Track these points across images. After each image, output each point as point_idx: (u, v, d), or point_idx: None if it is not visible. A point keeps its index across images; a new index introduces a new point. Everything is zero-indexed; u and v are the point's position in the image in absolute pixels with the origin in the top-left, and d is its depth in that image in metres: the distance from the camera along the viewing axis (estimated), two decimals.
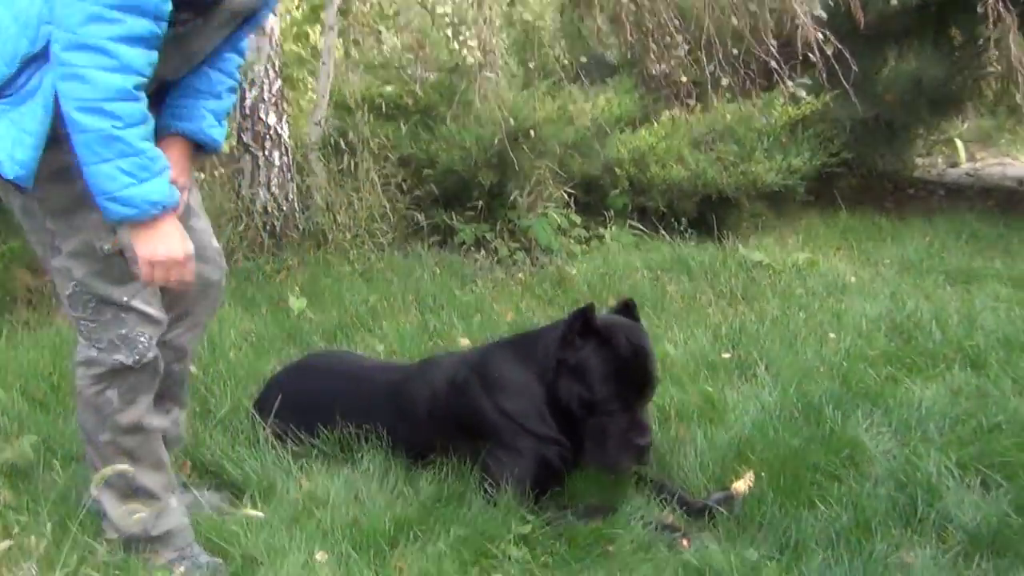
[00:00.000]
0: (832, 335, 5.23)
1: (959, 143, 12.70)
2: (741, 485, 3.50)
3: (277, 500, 3.42)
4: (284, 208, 7.32)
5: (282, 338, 5.34)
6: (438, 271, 6.69)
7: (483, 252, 7.18)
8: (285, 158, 7.36)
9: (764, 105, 8.33)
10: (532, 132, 7.14)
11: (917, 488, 3.31)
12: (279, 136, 7.33)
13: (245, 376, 4.69)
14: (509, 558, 3.11)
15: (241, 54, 3.13)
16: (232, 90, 3.12)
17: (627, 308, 3.74)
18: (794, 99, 8.27)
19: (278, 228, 7.26)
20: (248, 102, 7.20)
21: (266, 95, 7.22)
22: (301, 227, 7.30)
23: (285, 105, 7.44)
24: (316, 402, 3.89)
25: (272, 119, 7.28)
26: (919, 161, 12.14)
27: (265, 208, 7.26)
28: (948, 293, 6.32)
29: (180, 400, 3.38)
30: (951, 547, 3.06)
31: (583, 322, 3.52)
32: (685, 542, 3.22)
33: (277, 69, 7.29)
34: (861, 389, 4.27)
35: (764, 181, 7.77)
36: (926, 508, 3.22)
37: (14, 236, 5.34)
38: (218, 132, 3.05)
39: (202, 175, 7.16)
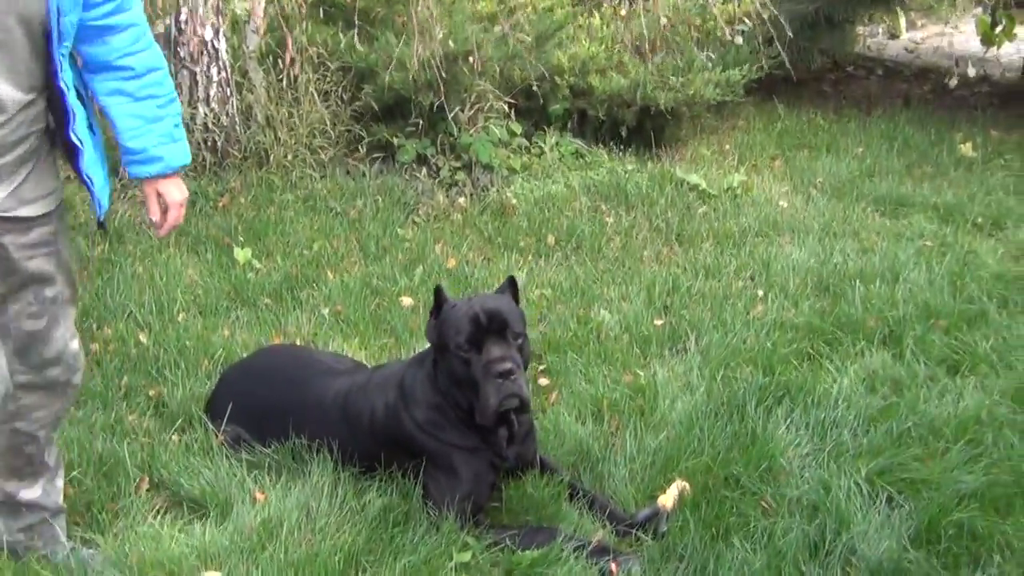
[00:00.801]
0: (760, 294, 5.47)
1: (900, 14, 12.76)
2: (668, 500, 3.76)
3: (235, 524, 3.61)
4: (225, 124, 7.32)
5: (229, 296, 5.48)
6: (380, 200, 6.79)
7: (425, 171, 7.27)
8: (223, 73, 7.33)
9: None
10: (472, 55, 7.13)
11: (827, 517, 3.58)
12: (216, 51, 7.28)
13: (195, 348, 4.85)
14: None
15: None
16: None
17: (510, 282, 3.90)
18: None
19: (219, 145, 7.27)
20: (183, 16, 7.12)
21: (200, 8, 7.14)
22: (243, 143, 7.31)
23: (220, 18, 7.35)
24: (267, 409, 4.07)
25: (208, 33, 7.22)
26: (860, 30, 12.21)
27: (205, 125, 7.26)
28: (876, 229, 6.54)
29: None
30: None
31: (436, 299, 3.77)
32: (614, 567, 3.48)
33: None
34: (783, 380, 4.51)
35: (703, 95, 7.86)
36: (834, 540, 3.50)
37: None
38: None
39: None
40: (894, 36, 12.67)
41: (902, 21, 12.75)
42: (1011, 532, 3.53)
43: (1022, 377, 4.62)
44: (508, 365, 3.56)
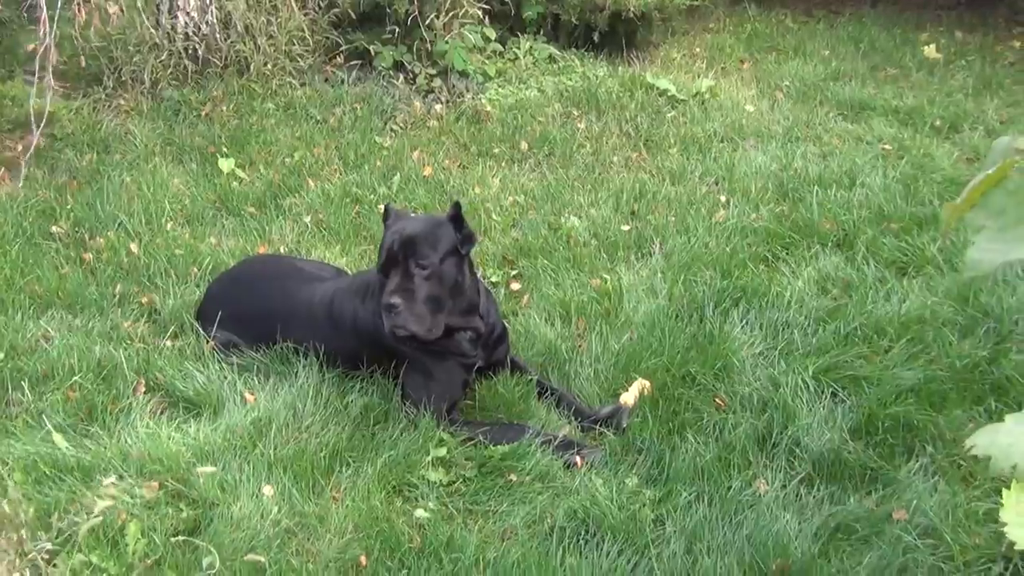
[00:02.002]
0: (723, 200, 5.73)
1: None
2: (629, 397, 4.07)
3: (227, 423, 3.89)
4: (205, 32, 7.45)
5: (215, 205, 5.70)
6: (358, 108, 6.98)
7: (402, 78, 7.44)
8: None
9: None
10: None
11: (775, 412, 3.89)
12: None
13: (184, 257, 5.09)
14: (428, 482, 3.66)
15: None
16: None
17: (454, 207, 4.02)
18: None
19: (200, 55, 7.41)
20: None
21: None
22: (223, 52, 7.45)
23: None
24: (254, 315, 4.34)
25: None
26: None
27: (186, 34, 7.39)
28: (837, 133, 6.77)
29: None
30: (797, 474, 3.67)
31: (383, 218, 4.06)
32: (579, 459, 3.79)
33: None
34: (741, 283, 4.78)
35: (673, 1, 8.01)
36: (780, 432, 3.81)
37: None
38: None
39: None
40: None
41: None
42: (944, 424, 3.84)
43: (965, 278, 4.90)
44: (393, 300, 3.80)
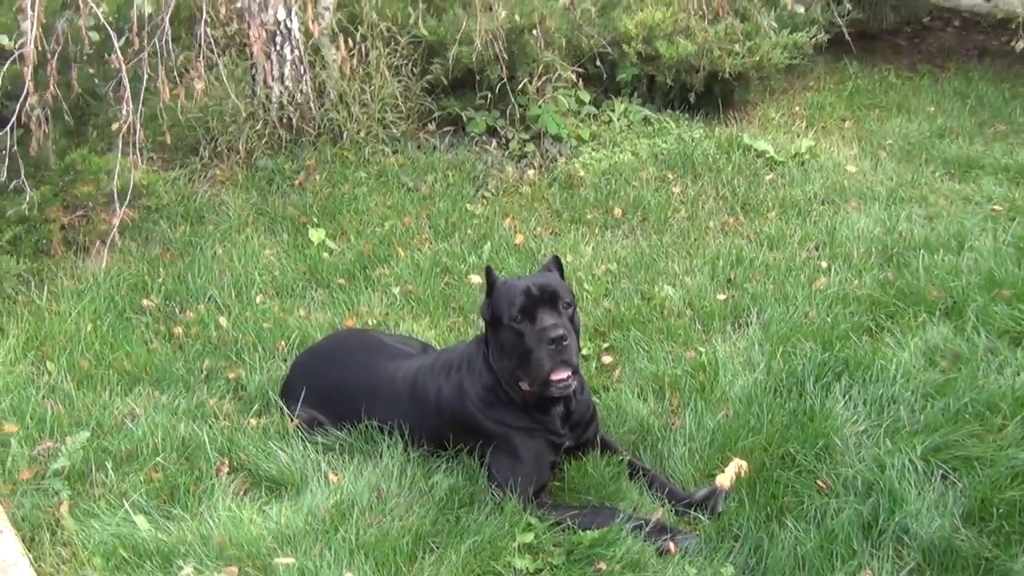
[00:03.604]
0: (824, 265, 5.53)
1: None
2: (725, 479, 3.89)
3: (309, 504, 3.80)
4: (299, 101, 7.50)
5: (304, 277, 5.68)
6: (451, 175, 6.94)
7: (495, 143, 7.39)
8: (296, 51, 7.50)
9: None
10: (536, 29, 7.21)
11: (880, 496, 3.67)
12: (289, 30, 7.45)
13: (272, 330, 5.05)
14: (515, 570, 3.52)
15: None
16: None
17: (554, 261, 4.05)
18: None
19: (294, 123, 7.46)
20: None
21: None
22: (317, 120, 7.48)
23: None
24: (339, 392, 4.26)
25: (281, 13, 7.38)
26: None
27: (280, 104, 7.45)
28: (944, 193, 6.53)
29: None
30: (906, 564, 3.45)
31: (487, 279, 3.94)
32: (672, 546, 3.62)
33: None
34: (843, 356, 4.58)
35: (770, 59, 7.85)
36: (887, 518, 3.59)
37: (44, 182, 5.59)
38: None
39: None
40: None
41: None
42: None
43: None
44: (561, 331, 3.72)
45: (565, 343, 3.72)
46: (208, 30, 4.78)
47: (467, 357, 4.07)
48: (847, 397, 4.32)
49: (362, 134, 7.40)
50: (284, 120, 7.46)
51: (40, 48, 4.13)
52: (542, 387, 3.79)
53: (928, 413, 4.17)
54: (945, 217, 6.11)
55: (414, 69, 7.71)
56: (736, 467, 3.94)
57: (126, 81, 4.13)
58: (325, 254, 5.92)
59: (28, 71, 4.03)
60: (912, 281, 5.25)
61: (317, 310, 5.33)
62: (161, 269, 5.73)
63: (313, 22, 6.92)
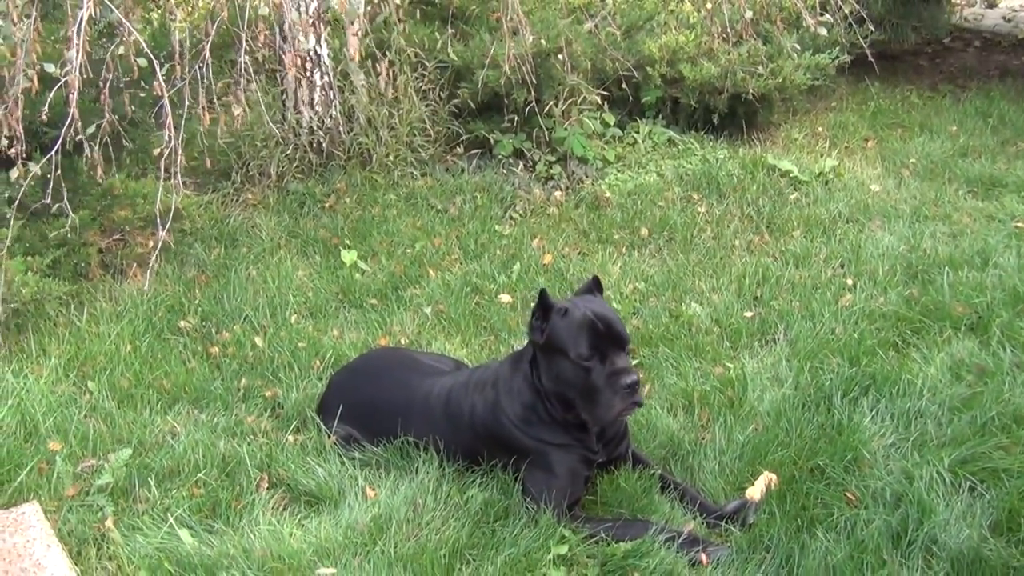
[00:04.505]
0: (849, 283, 5.60)
1: None
2: (755, 492, 3.95)
3: (347, 518, 3.89)
4: (329, 126, 7.63)
5: (336, 298, 5.78)
6: (479, 196, 7.04)
7: (521, 166, 7.50)
8: (326, 77, 7.63)
9: None
10: (561, 54, 7.32)
11: (909, 507, 3.73)
12: (318, 56, 7.59)
13: (307, 350, 5.15)
14: None
15: None
16: None
17: (595, 283, 4.11)
18: None
19: (324, 148, 7.58)
20: (287, 24, 7.41)
21: (303, 16, 7.42)
22: (346, 144, 7.61)
23: (322, 25, 7.64)
24: (374, 409, 4.35)
25: (311, 40, 7.51)
26: (956, 0, 12.06)
27: (310, 128, 7.58)
28: (967, 211, 6.59)
29: None
30: (935, 574, 3.50)
31: (542, 302, 3.92)
32: (704, 557, 3.68)
33: None
34: (870, 371, 4.64)
35: (793, 81, 7.94)
36: (916, 529, 3.65)
37: (82, 206, 5.70)
38: None
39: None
40: (992, 5, 12.49)
41: None
42: None
43: None
44: (636, 378, 3.79)
45: (639, 387, 3.80)
46: (247, 58, 4.87)
47: (501, 375, 4.14)
48: (874, 411, 4.39)
49: (391, 157, 7.51)
50: (314, 144, 7.59)
51: (85, 76, 4.25)
52: (604, 424, 3.91)
53: (955, 426, 4.23)
54: (969, 234, 6.18)
55: (441, 93, 7.83)
56: (766, 480, 4.00)
57: (168, 107, 4.25)
58: (357, 275, 6.02)
59: (74, 98, 4.15)
60: (937, 297, 5.31)
61: (350, 329, 5.43)
62: (197, 291, 5.84)
63: (351, 48, 7.06)
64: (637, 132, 7.99)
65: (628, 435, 4.22)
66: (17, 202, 4.87)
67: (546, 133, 7.54)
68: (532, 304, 4.00)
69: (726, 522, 3.86)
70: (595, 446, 4.02)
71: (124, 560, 3.72)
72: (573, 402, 3.89)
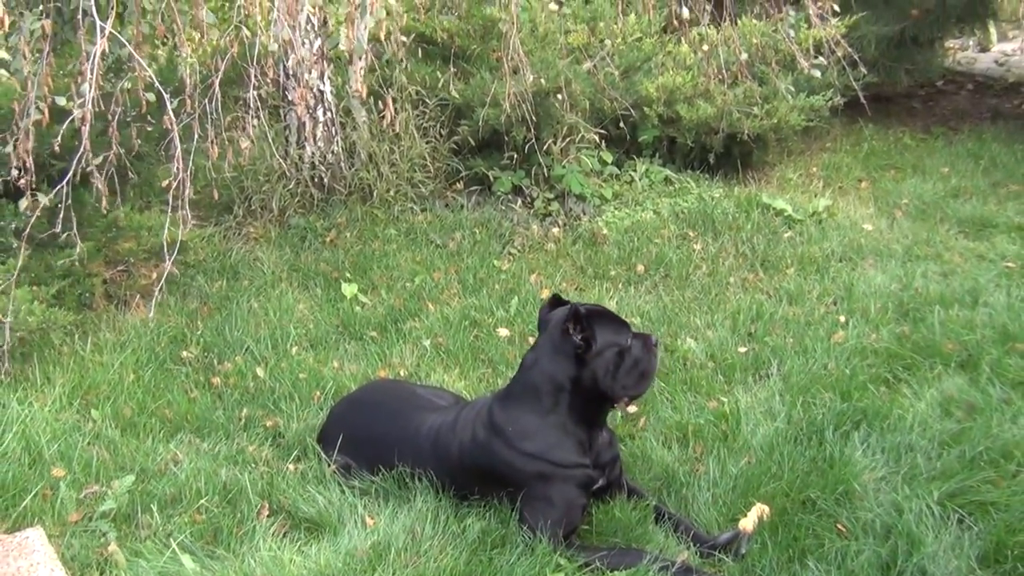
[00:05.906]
0: (842, 320, 5.69)
1: (991, 25, 12.74)
2: (748, 523, 4.02)
3: (347, 545, 3.95)
4: (330, 161, 7.75)
5: (337, 330, 5.86)
6: (477, 232, 7.14)
7: (520, 202, 7.61)
8: (328, 113, 7.75)
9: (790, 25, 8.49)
10: (560, 93, 7.45)
11: (899, 539, 3.80)
12: (321, 93, 7.71)
13: (307, 381, 5.23)
14: None
15: None
16: None
17: (556, 299, 4.25)
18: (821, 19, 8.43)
19: (326, 183, 7.70)
20: (290, 61, 7.54)
21: (307, 54, 7.55)
22: (348, 179, 7.72)
23: (326, 63, 7.77)
24: (372, 440, 4.42)
25: (314, 77, 7.64)
26: (949, 43, 12.22)
27: (312, 163, 7.69)
28: (959, 251, 6.70)
29: None
30: None
31: (576, 316, 4.03)
32: None
33: (316, 27, 7.60)
34: (861, 406, 4.72)
35: (787, 122, 8.07)
36: (905, 560, 3.72)
37: (87, 238, 5.79)
38: None
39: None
40: (984, 49, 12.70)
41: (993, 33, 12.75)
42: None
43: None
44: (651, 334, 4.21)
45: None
46: (255, 93, 4.97)
47: (497, 409, 4.18)
48: (865, 445, 4.46)
49: (391, 193, 7.62)
50: (316, 179, 7.71)
51: (97, 109, 4.36)
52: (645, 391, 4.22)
53: (944, 460, 4.30)
54: (960, 274, 6.27)
55: (442, 130, 7.95)
56: (759, 511, 4.07)
57: (177, 141, 4.35)
58: (357, 308, 6.11)
59: (86, 130, 4.26)
60: (928, 335, 5.40)
61: (350, 361, 5.51)
62: (199, 322, 5.93)
63: (355, 84, 7.18)
64: (634, 170, 8.09)
65: (621, 463, 4.29)
66: (26, 233, 4.97)
67: (545, 170, 7.66)
68: (537, 330, 4.18)
69: (719, 552, 3.92)
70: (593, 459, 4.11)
71: None
72: (616, 396, 4.07)
